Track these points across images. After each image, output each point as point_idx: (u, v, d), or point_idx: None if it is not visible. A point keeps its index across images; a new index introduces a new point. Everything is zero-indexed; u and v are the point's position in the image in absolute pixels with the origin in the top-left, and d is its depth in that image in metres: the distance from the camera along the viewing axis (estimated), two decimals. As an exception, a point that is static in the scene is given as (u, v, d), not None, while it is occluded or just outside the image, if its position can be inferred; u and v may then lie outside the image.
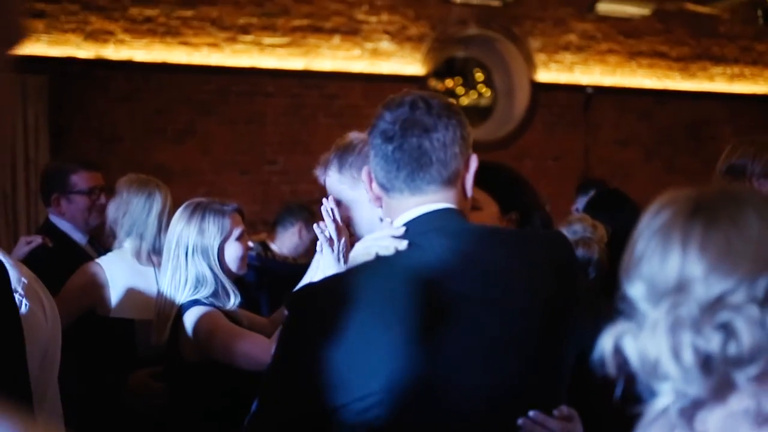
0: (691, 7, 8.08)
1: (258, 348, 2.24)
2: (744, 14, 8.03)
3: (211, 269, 2.44)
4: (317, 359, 1.33)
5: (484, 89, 8.14)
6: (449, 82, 8.09)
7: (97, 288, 2.93)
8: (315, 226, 2.03)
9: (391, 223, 1.50)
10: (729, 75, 8.56)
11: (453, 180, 1.47)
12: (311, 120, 7.13)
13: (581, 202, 4.27)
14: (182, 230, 2.46)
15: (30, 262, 2.57)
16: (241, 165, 6.94)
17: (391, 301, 1.36)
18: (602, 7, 7.40)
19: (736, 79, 8.59)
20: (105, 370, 2.89)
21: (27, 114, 6.14)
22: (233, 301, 2.46)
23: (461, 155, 1.48)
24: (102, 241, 3.37)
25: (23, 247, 3.11)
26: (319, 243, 2.01)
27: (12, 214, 6.02)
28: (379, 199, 1.52)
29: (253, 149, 6.99)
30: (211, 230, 2.44)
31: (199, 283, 2.43)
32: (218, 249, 2.45)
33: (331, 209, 2.00)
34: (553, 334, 1.44)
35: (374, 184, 1.51)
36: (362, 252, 1.49)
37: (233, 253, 2.48)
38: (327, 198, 2.04)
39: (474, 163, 1.51)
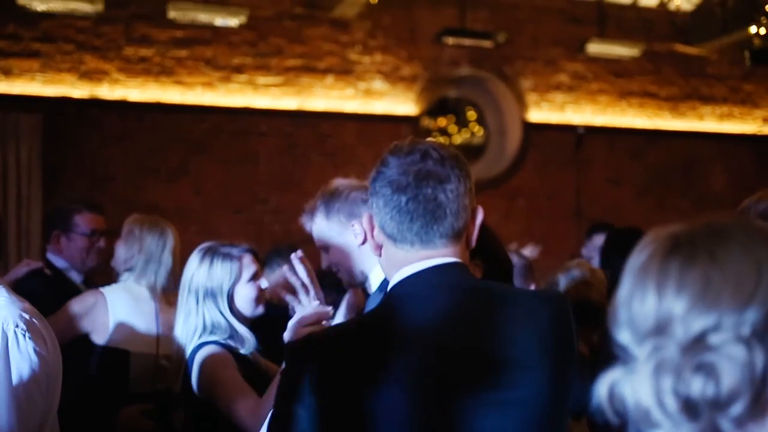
0: (680, 48, 8.19)
1: (249, 414, 2.22)
2: (732, 55, 8.13)
3: (222, 313, 2.44)
4: (315, 412, 1.32)
5: (476, 128, 8.20)
6: (442, 121, 8.15)
7: (97, 314, 2.96)
8: (287, 272, 2.06)
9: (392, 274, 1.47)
10: (718, 114, 8.65)
11: (462, 233, 1.45)
12: (304, 159, 7.15)
13: (590, 248, 4.23)
14: (193, 275, 2.48)
15: (26, 290, 2.58)
16: (234, 204, 6.94)
17: (395, 357, 1.34)
18: (592, 48, 7.49)
19: (726, 118, 8.68)
20: (96, 399, 2.89)
21: (20, 152, 6.14)
22: (248, 345, 2.45)
23: (470, 207, 1.46)
24: (97, 283, 3.37)
25: (23, 268, 3.14)
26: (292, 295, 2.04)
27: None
28: (380, 247, 1.48)
29: (245, 188, 7.00)
30: (220, 274, 2.45)
31: (211, 327, 2.44)
32: (229, 292, 2.46)
33: (301, 257, 2.03)
34: (556, 392, 1.43)
35: (377, 232, 1.47)
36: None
37: (244, 295, 2.49)
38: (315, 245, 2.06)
39: (480, 215, 1.49)
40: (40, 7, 5.93)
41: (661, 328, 0.88)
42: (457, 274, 1.43)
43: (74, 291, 3.25)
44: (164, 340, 3.05)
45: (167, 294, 3.11)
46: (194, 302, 2.45)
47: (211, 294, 2.44)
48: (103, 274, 3.38)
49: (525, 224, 7.70)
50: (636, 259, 0.94)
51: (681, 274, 0.89)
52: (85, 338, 2.97)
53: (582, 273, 2.68)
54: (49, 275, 3.23)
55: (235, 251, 2.51)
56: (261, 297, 2.54)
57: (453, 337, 1.37)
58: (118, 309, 2.97)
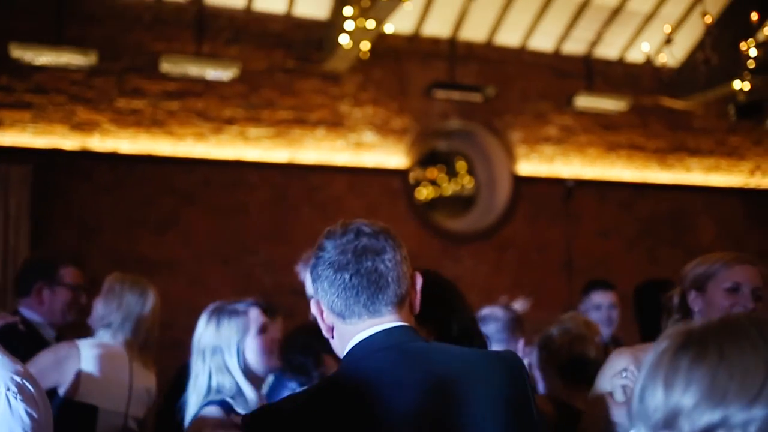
0: (666, 102, 8.30)
1: None
2: (717, 108, 8.25)
3: (230, 371, 2.44)
4: None
5: (466, 180, 8.23)
6: (432, 173, 8.18)
7: (68, 365, 2.89)
8: None
9: (345, 350, 1.50)
10: (705, 166, 8.74)
11: (405, 299, 1.52)
12: (294, 211, 7.15)
13: (587, 305, 4.24)
14: (201, 336, 2.49)
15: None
16: (223, 255, 6.91)
17: (345, 425, 1.38)
18: (580, 102, 7.59)
19: (713, 170, 8.76)
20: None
21: (9, 204, 6.12)
22: (251, 406, 2.44)
23: (408, 274, 1.53)
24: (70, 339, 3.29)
25: None
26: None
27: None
28: (331, 329, 1.53)
29: (235, 240, 6.98)
30: (227, 332, 2.47)
31: (216, 387, 2.44)
32: (238, 349, 2.47)
33: None
34: None
35: (326, 314, 1.53)
36: None
37: (253, 349, 2.50)
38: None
39: (419, 280, 1.56)
40: (35, 61, 5.98)
41: (669, 422, 0.91)
42: (404, 335, 1.48)
43: (45, 346, 3.15)
44: (136, 400, 2.99)
45: (144, 355, 3.05)
46: (201, 362, 2.46)
47: (218, 351, 2.45)
48: (76, 332, 3.24)
49: (515, 276, 7.69)
50: (651, 353, 0.97)
51: (689, 370, 0.92)
52: (54, 390, 2.89)
53: (577, 327, 2.64)
54: (22, 331, 3.11)
55: (241, 307, 2.53)
56: (272, 349, 2.54)
57: (403, 400, 1.39)
58: (91, 363, 2.91)
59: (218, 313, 2.50)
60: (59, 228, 6.46)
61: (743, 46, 6.80)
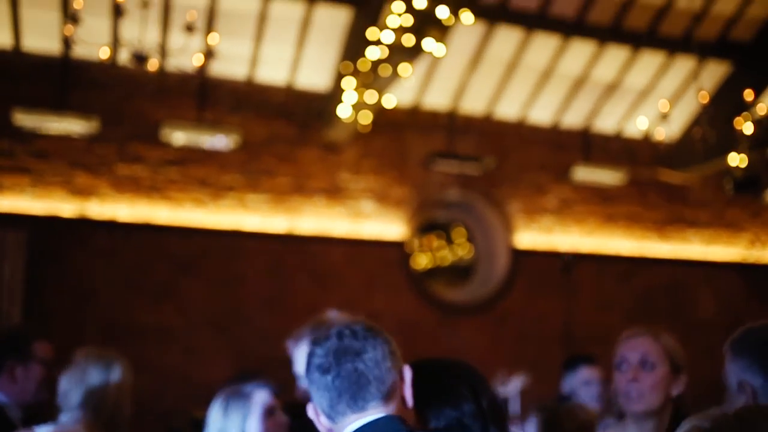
0: (664, 175, 8.34)
1: None
2: (715, 182, 8.28)
3: None
4: None
5: (464, 251, 8.21)
6: (431, 242, 8.17)
7: None
8: None
9: None
10: (704, 239, 8.73)
11: (392, 394, 1.55)
12: (291, 281, 7.11)
13: (573, 382, 4.02)
14: (212, 418, 2.50)
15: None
16: (219, 324, 6.83)
17: None
18: (578, 174, 7.63)
19: (712, 242, 8.76)
20: None
21: (3, 269, 6.08)
22: None
23: (394, 368, 1.56)
24: (39, 420, 3.09)
25: None
26: None
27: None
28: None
29: (231, 308, 6.91)
30: (233, 415, 2.47)
31: None
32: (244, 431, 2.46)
33: None
34: None
35: (322, 418, 1.58)
36: None
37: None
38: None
39: (408, 373, 1.59)
40: (38, 127, 6.03)
41: None
42: (390, 425, 1.51)
43: (11, 430, 2.92)
44: None
45: None
46: None
47: None
48: (45, 413, 2.99)
49: (513, 349, 7.60)
50: None
51: None
52: None
53: (584, 414, 2.56)
54: None
55: (248, 389, 2.53)
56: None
57: None
58: None
59: (229, 396, 2.51)
60: (53, 294, 6.40)
61: (738, 122, 6.90)
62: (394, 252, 7.48)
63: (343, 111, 6.30)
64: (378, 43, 5.70)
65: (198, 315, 6.79)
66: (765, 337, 1.83)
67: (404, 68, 5.85)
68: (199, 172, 7.00)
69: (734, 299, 8.57)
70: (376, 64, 5.84)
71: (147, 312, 6.61)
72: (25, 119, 6.00)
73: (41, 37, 6.59)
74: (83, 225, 6.60)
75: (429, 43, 5.56)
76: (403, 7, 5.43)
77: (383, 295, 7.31)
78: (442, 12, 5.49)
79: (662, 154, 7.90)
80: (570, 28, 7.33)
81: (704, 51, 7.71)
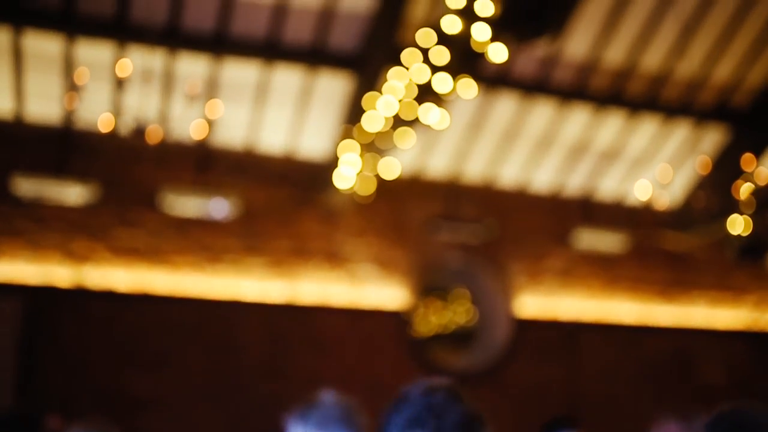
0: (666, 241, 8.29)
1: None
2: (717, 247, 8.22)
3: None
4: None
5: (466, 316, 8.11)
6: (432, 308, 8.07)
7: None
8: None
9: None
10: (708, 305, 8.62)
11: None
12: (290, 349, 7.00)
13: None
14: None
15: None
16: (215, 394, 6.70)
17: None
18: (579, 240, 7.60)
19: (716, 308, 8.64)
20: None
21: (-2, 338, 5.99)
22: None
23: None
24: None
25: None
26: None
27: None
28: None
29: (228, 378, 6.79)
30: None
31: None
32: None
33: None
34: None
35: None
36: None
37: None
38: None
39: None
40: (36, 193, 6.02)
41: None
42: None
43: None
44: None
45: None
46: None
47: None
48: None
49: (516, 419, 7.42)
50: None
51: None
52: None
53: None
54: None
55: None
56: None
57: None
58: None
59: None
60: (49, 364, 6.30)
61: (739, 187, 6.91)
62: (394, 319, 7.40)
63: (342, 181, 6.30)
64: (378, 114, 5.74)
65: (194, 384, 6.66)
66: (737, 422, 1.85)
67: (404, 138, 5.87)
68: (198, 239, 6.97)
69: (741, 366, 8.43)
70: (375, 135, 5.87)
71: (142, 382, 6.48)
72: (24, 185, 6.00)
73: (43, 105, 6.64)
74: (80, 294, 6.52)
75: (431, 116, 5.58)
76: (403, 77, 5.48)
77: (383, 362, 7.20)
78: (443, 84, 5.53)
79: (663, 219, 7.89)
80: (569, 94, 7.40)
81: (703, 116, 7.79)
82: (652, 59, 7.34)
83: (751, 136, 7.83)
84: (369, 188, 6.35)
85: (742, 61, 7.52)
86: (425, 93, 5.76)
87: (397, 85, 5.84)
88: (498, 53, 5.53)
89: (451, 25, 5.55)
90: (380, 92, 6.01)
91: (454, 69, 5.74)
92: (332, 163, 6.66)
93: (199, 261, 6.95)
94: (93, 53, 6.30)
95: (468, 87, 5.83)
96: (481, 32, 5.50)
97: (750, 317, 8.77)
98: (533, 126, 7.57)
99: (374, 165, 6.12)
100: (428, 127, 6.05)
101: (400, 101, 5.74)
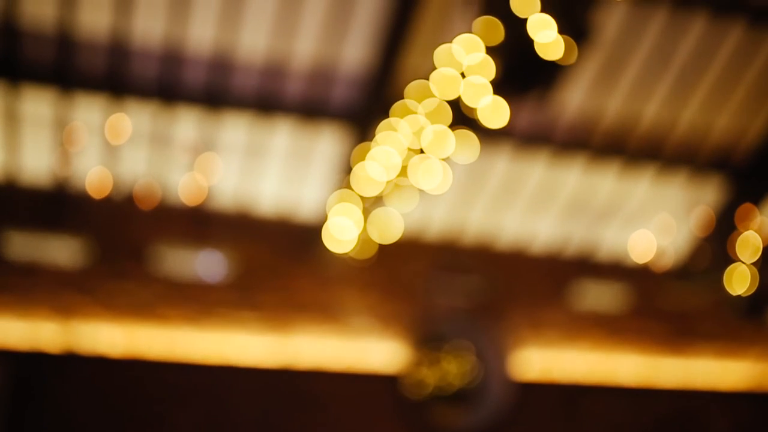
0: (668, 299, 8.19)
1: None
2: (719, 306, 8.14)
3: None
4: None
5: (465, 377, 7.98)
6: (430, 368, 7.95)
7: None
8: None
9: None
10: (713, 364, 8.51)
11: None
12: (285, 412, 6.92)
13: None
14: None
15: None
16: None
17: None
18: (580, 301, 7.54)
19: (721, 367, 8.53)
20: None
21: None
22: None
23: None
24: None
25: None
26: None
27: None
28: None
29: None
30: None
31: None
32: None
33: None
34: None
35: None
36: None
37: None
38: None
39: None
40: (27, 251, 6.01)
41: None
42: None
43: None
44: None
45: None
46: None
47: None
48: None
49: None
50: None
51: None
52: None
53: None
54: None
55: None
56: None
57: None
58: None
59: None
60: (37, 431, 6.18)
61: (740, 242, 6.86)
62: (391, 380, 7.29)
63: (335, 245, 6.22)
64: (372, 173, 5.67)
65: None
66: None
67: (402, 200, 5.80)
68: (192, 299, 6.89)
69: (749, 427, 8.31)
70: (371, 196, 5.80)
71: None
72: (14, 244, 5.91)
73: (34, 162, 6.58)
74: (70, 359, 6.44)
75: (429, 179, 5.51)
76: (400, 144, 5.41)
77: (380, 425, 7.12)
78: (441, 143, 5.43)
79: (665, 275, 7.82)
80: (565, 148, 7.36)
81: (703, 169, 7.74)
82: (650, 111, 7.29)
83: (752, 189, 7.79)
84: (366, 252, 6.25)
85: (743, 113, 7.49)
86: (422, 151, 5.68)
87: (394, 139, 5.76)
88: (496, 119, 5.42)
89: (447, 84, 5.48)
90: (375, 150, 5.94)
91: (458, 117, 5.64)
92: (325, 228, 6.59)
93: (192, 321, 6.89)
94: (87, 111, 6.28)
95: (469, 145, 5.72)
96: (477, 94, 5.42)
97: (756, 375, 8.65)
98: (530, 180, 7.51)
99: (371, 227, 6.04)
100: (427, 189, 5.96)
101: (395, 160, 5.67)
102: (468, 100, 5.46)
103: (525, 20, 4.91)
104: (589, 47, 5.77)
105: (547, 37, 4.97)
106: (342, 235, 6.12)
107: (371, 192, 5.86)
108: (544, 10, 5.61)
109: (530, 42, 5.01)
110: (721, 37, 6.91)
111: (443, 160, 5.72)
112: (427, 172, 5.64)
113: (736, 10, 6.79)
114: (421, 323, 7.54)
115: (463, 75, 5.47)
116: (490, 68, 5.43)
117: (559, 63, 6.07)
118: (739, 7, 6.80)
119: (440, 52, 5.23)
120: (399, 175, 5.70)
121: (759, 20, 6.88)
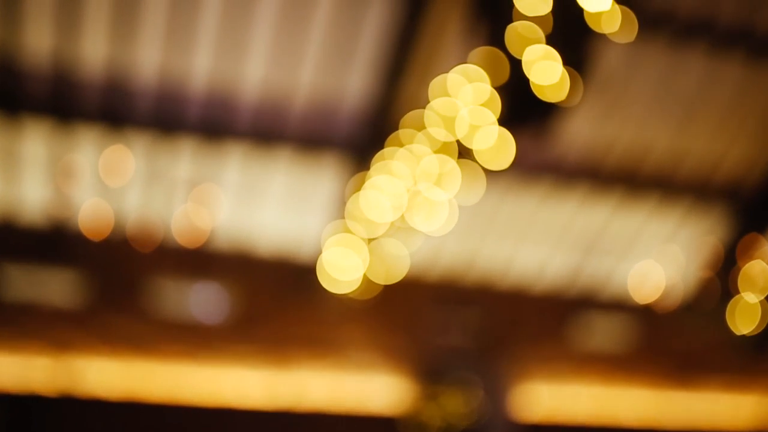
0: (673, 337, 8.11)
1: None
2: (724, 342, 8.05)
3: None
4: None
5: (468, 418, 7.89)
6: (432, 407, 7.86)
7: None
8: None
9: None
10: (720, 401, 8.41)
11: None
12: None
13: None
14: None
15: None
16: None
17: None
18: (584, 341, 7.48)
19: (728, 405, 8.41)
20: None
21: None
22: None
23: None
24: None
25: None
26: None
27: None
28: None
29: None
30: None
31: None
32: None
33: None
34: None
35: None
36: None
37: None
38: None
39: None
40: (22, 291, 5.96)
41: None
42: None
43: None
44: None
45: None
46: None
47: None
48: None
49: None
50: None
51: None
52: None
53: None
54: None
55: None
56: None
57: None
58: None
59: None
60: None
61: (743, 277, 6.80)
62: (391, 420, 7.20)
63: (337, 286, 6.14)
64: (372, 210, 5.61)
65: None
66: None
67: (404, 244, 5.74)
68: (189, 339, 6.81)
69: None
70: (373, 239, 5.72)
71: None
72: (11, 281, 5.90)
73: (32, 200, 6.51)
74: (66, 402, 6.35)
75: (430, 223, 5.44)
76: (401, 181, 5.35)
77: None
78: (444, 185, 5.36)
79: (671, 313, 7.74)
80: (568, 181, 7.30)
81: (711, 205, 7.68)
82: (656, 146, 7.24)
83: (759, 222, 7.72)
84: (369, 292, 6.16)
85: (749, 145, 7.45)
86: (423, 190, 5.61)
87: (395, 176, 5.69)
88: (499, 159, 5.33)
89: (449, 123, 5.41)
90: (375, 189, 5.87)
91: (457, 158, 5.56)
92: (326, 263, 6.52)
93: (190, 359, 6.83)
94: (84, 148, 6.23)
95: (472, 183, 5.62)
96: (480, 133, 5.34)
97: (762, 413, 8.55)
98: (535, 215, 7.43)
99: (373, 267, 5.94)
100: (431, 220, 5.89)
101: (396, 201, 5.60)
102: (469, 140, 5.40)
103: (520, 59, 4.86)
104: (589, 82, 5.77)
105: (545, 78, 4.88)
106: (342, 275, 6.05)
107: (372, 232, 5.78)
108: (548, 42, 5.55)
109: (527, 80, 4.97)
110: (722, 71, 6.90)
111: (446, 199, 5.65)
112: (429, 212, 5.57)
113: (735, 44, 6.79)
114: (423, 360, 7.46)
115: (463, 110, 5.43)
116: (493, 103, 5.38)
117: (557, 104, 6.05)
118: (738, 41, 6.80)
119: (439, 85, 5.19)
120: (401, 215, 5.63)
121: (760, 53, 6.87)
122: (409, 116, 5.91)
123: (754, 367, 8.56)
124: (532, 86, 4.80)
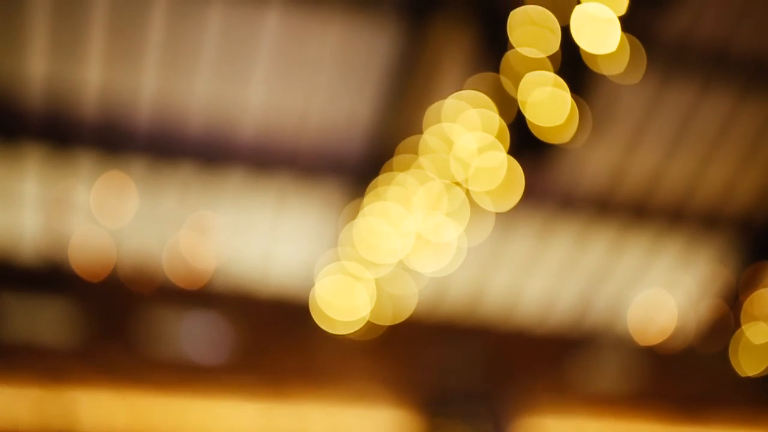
0: (682, 383, 8.00)
1: None
2: (730, 377, 7.96)
3: None
4: None
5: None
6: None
7: None
8: None
9: None
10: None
11: None
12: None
13: None
14: None
15: None
16: None
17: None
18: (588, 384, 7.41)
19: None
20: None
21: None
22: None
23: None
24: None
25: None
26: None
27: None
28: None
29: None
30: None
31: None
32: None
33: None
34: None
35: None
36: None
37: None
38: None
39: None
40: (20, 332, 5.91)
41: None
42: None
43: None
44: None
45: None
46: None
47: None
48: None
49: None
50: None
51: None
52: None
53: None
54: None
55: None
56: None
57: None
58: None
59: None
60: None
61: (745, 311, 6.71)
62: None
63: (334, 326, 6.05)
64: (376, 261, 5.50)
65: None
66: None
67: (409, 283, 5.64)
68: (185, 376, 6.74)
69: None
70: (375, 279, 5.62)
71: None
72: (7, 317, 5.88)
73: (28, 235, 6.42)
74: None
75: (434, 265, 5.33)
76: (403, 224, 5.24)
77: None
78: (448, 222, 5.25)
79: (679, 354, 7.66)
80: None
81: (723, 242, 7.57)
82: (664, 180, 7.12)
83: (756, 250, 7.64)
84: (371, 333, 6.05)
85: (761, 174, 7.34)
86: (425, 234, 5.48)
87: (397, 216, 5.57)
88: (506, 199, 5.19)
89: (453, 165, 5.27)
90: (379, 226, 5.75)
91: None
92: (326, 304, 6.44)
93: (189, 396, 6.76)
94: (82, 185, 6.17)
95: (477, 225, 5.50)
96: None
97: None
98: (544, 252, 7.35)
99: (377, 307, 5.82)
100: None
101: (400, 242, 5.48)
102: (475, 176, 5.26)
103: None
104: (596, 114, 5.64)
105: (549, 115, 4.71)
106: (343, 316, 5.95)
107: (376, 271, 5.67)
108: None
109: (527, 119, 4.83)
110: (737, 106, 6.80)
111: (451, 237, 5.54)
112: (434, 251, 5.47)
113: (749, 76, 6.68)
114: (427, 394, 7.37)
115: (467, 139, 5.29)
116: (497, 132, 5.23)
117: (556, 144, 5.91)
118: (753, 72, 6.68)
119: (440, 112, 5.06)
120: (406, 255, 5.52)
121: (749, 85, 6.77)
122: (416, 145, 5.80)
123: (764, 405, 8.46)
124: (530, 127, 4.68)
